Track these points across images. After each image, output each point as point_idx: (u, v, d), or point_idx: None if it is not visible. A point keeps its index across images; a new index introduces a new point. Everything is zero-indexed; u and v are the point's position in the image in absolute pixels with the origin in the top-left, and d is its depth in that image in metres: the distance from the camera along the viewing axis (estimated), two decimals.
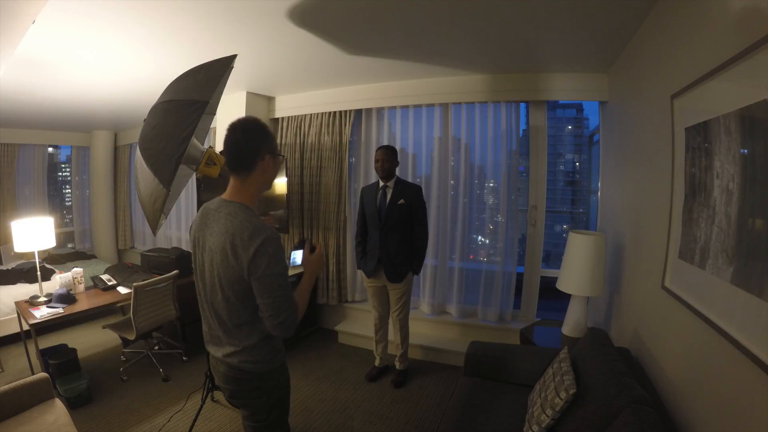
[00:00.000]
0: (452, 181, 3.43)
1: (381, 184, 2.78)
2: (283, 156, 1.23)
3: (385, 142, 3.63)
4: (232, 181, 1.30)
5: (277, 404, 1.39)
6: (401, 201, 2.71)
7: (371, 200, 2.80)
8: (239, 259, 1.18)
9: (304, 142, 3.83)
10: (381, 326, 2.96)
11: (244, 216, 1.22)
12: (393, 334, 2.91)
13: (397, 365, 2.94)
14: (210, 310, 1.32)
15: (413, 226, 2.76)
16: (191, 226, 1.40)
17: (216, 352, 1.35)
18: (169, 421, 2.42)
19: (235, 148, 1.24)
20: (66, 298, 2.84)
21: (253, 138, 1.25)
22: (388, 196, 2.74)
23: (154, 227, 1.87)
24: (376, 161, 2.74)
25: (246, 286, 1.21)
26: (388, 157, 2.71)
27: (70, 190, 6.11)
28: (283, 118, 3.96)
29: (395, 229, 2.73)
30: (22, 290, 3.59)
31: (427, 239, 2.82)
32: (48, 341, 3.37)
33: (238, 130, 1.24)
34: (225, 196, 1.30)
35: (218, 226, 1.24)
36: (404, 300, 2.82)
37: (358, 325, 3.63)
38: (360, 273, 3.15)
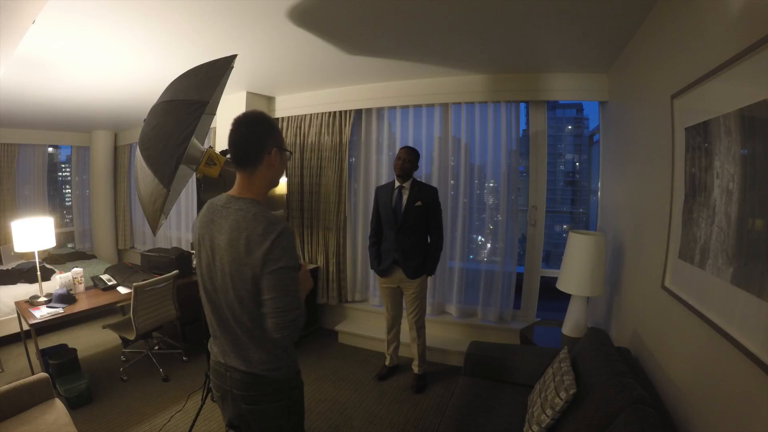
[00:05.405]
0: (452, 181, 3.43)
1: (397, 184, 2.74)
2: (290, 152, 1.14)
3: (386, 142, 3.63)
4: (239, 178, 1.24)
5: (296, 406, 1.33)
6: (418, 203, 2.67)
7: (387, 201, 2.76)
8: (253, 255, 1.12)
9: (304, 142, 3.83)
10: (393, 326, 2.94)
11: (256, 210, 1.17)
12: (410, 338, 2.88)
13: (415, 369, 2.89)
14: (219, 311, 1.24)
15: (429, 227, 2.74)
16: (194, 224, 1.31)
17: (229, 360, 1.24)
18: (169, 421, 2.42)
19: (240, 141, 1.19)
20: (66, 298, 2.84)
21: (259, 131, 1.21)
22: (405, 198, 2.70)
23: (154, 227, 1.88)
24: (398, 159, 2.70)
25: (258, 284, 1.14)
26: (410, 158, 2.68)
27: (70, 190, 6.10)
28: (283, 118, 3.96)
29: (412, 230, 2.70)
30: (22, 290, 3.59)
31: (443, 242, 2.80)
32: (48, 341, 3.38)
33: (242, 123, 1.20)
34: (232, 192, 1.24)
35: (227, 222, 1.18)
36: (419, 301, 2.79)
37: (358, 325, 3.63)
38: (372, 273, 3.10)
